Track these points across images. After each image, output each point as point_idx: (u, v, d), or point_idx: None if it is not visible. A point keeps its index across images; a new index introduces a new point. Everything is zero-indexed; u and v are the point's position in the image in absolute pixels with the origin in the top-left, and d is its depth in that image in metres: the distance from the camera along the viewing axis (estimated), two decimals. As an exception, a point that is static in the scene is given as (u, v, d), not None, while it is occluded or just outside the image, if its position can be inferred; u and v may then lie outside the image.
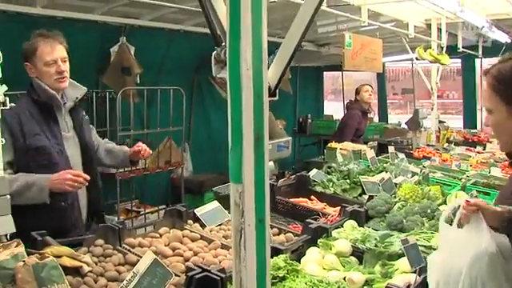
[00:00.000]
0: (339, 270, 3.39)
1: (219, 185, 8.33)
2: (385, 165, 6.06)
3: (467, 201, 2.64)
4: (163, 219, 4.03)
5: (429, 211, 4.31)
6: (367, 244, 3.61)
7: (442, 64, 9.52)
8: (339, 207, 4.61)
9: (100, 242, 3.38)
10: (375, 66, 7.95)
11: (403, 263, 3.33)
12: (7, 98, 3.08)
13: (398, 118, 15.30)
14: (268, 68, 1.65)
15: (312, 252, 3.56)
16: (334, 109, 15.64)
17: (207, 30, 5.96)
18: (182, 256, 3.34)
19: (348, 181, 5.41)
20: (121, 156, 4.45)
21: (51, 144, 3.78)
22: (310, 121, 12.74)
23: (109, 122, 7.96)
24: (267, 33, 1.55)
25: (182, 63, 8.72)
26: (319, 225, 3.86)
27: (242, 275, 1.61)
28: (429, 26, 9.23)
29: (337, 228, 4.00)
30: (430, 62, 9.21)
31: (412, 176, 5.77)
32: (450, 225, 2.75)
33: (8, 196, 3.02)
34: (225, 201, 4.29)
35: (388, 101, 14.97)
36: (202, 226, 3.94)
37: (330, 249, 3.54)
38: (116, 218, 6.74)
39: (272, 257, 3.15)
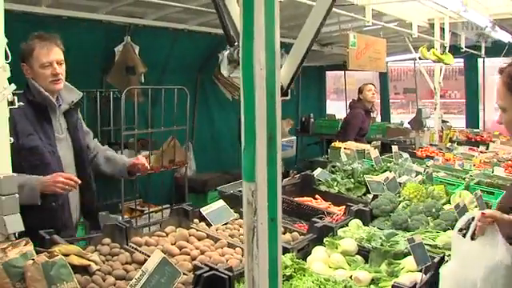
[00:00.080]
0: (345, 269, 3.40)
1: (223, 184, 8.35)
2: (388, 164, 6.07)
3: (483, 213, 2.63)
4: (169, 218, 4.04)
5: (434, 210, 4.33)
6: (373, 243, 3.62)
7: (446, 64, 9.52)
8: (344, 206, 4.62)
9: (107, 240, 3.39)
10: (379, 65, 7.95)
11: (409, 262, 3.35)
12: (16, 98, 3.09)
13: (399, 117, 15.31)
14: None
15: (318, 251, 3.57)
16: (337, 108, 15.65)
17: (211, 30, 6.03)
18: (188, 255, 3.35)
19: (352, 180, 5.42)
20: (120, 166, 4.44)
21: (44, 144, 3.80)
22: (312, 120, 12.75)
23: (113, 122, 7.97)
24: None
25: (186, 62, 8.75)
26: (325, 224, 3.88)
27: (255, 273, 1.62)
28: (432, 25, 9.23)
29: (342, 227, 4.02)
30: (433, 61, 9.21)
31: (416, 175, 5.78)
32: (463, 236, 2.74)
33: (16, 195, 3.03)
34: (229, 200, 4.32)
35: (390, 100, 14.97)
36: (208, 224, 3.95)
37: (336, 248, 3.56)
38: (120, 217, 6.76)
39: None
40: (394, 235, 3.70)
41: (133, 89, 6.87)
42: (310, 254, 3.56)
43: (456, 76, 16.73)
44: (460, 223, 2.84)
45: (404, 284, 2.92)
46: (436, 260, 3.31)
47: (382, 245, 3.58)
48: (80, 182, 3.75)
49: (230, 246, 3.57)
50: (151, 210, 7.48)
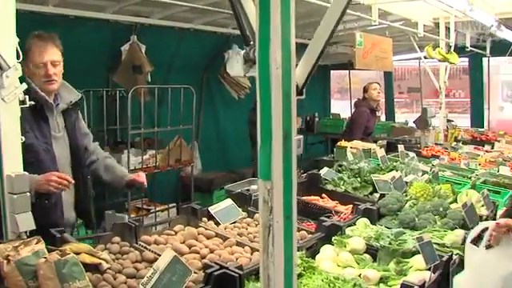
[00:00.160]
0: (354, 268, 3.42)
1: (228, 183, 8.37)
2: (395, 163, 6.08)
3: (497, 222, 2.64)
4: (178, 217, 4.05)
5: (441, 209, 4.34)
6: (381, 242, 3.64)
7: (451, 63, 9.52)
8: (351, 205, 4.65)
9: (117, 239, 3.40)
10: (386, 64, 7.95)
11: (417, 261, 3.36)
12: (27, 97, 3.12)
13: (403, 116, 15.30)
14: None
15: (326, 249, 3.59)
16: (341, 107, 15.65)
17: (216, 29, 6.04)
18: (198, 253, 3.36)
19: (358, 179, 5.43)
20: (119, 177, 4.43)
21: (39, 142, 3.81)
22: (317, 119, 12.75)
23: (119, 121, 7.99)
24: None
25: (192, 61, 8.76)
26: (333, 222, 3.89)
27: (270, 271, 1.63)
28: (437, 24, 9.23)
29: (350, 226, 4.03)
30: (439, 60, 9.20)
31: (422, 175, 5.79)
32: (477, 246, 2.74)
33: (28, 194, 3.07)
34: (237, 199, 4.33)
35: (394, 100, 14.97)
36: (216, 223, 3.96)
37: (345, 246, 3.58)
38: (126, 216, 6.78)
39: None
40: (402, 234, 3.72)
41: (139, 88, 6.88)
42: (319, 252, 3.58)
43: (460, 75, 16.71)
44: (473, 233, 2.84)
45: (413, 283, 2.93)
46: (444, 259, 3.32)
47: (390, 243, 3.59)
48: (73, 181, 3.75)
49: (238, 244, 3.58)
50: (157, 208, 7.49)
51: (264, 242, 1.63)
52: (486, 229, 2.69)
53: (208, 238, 3.66)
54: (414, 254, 3.48)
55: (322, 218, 3.99)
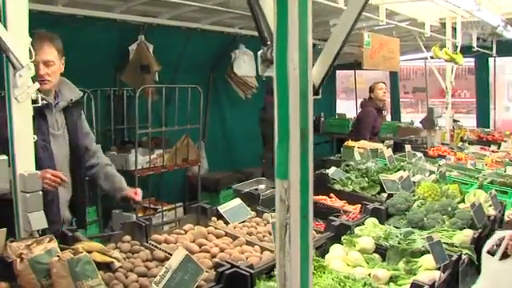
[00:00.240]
0: (363, 267, 3.43)
1: (235, 182, 8.39)
2: (402, 163, 6.08)
3: None
4: (188, 216, 4.06)
5: (449, 209, 4.34)
6: (390, 241, 3.64)
7: (457, 63, 9.52)
8: (359, 205, 4.66)
9: (127, 238, 3.41)
10: (393, 64, 7.96)
11: (427, 260, 3.37)
12: (39, 96, 3.14)
13: (409, 116, 15.30)
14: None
15: (336, 249, 3.60)
16: (346, 107, 15.65)
17: (223, 29, 6.06)
18: (208, 252, 3.37)
19: (366, 179, 5.44)
20: (117, 188, 4.49)
21: (38, 139, 3.83)
22: (322, 119, 12.74)
23: (126, 120, 8.01)
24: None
25: (199, 61, 8.77)
26: (342, 222, 3.91)
27: (286, 269, 1.64)
28: (443, 24, 9.23)
29: (358, 225, 4.04)
30: (445, 60, 9.20)
31: (429, 175, 5.79)
32: (493, 256, 2.73)
33: (40, 192, 3.08)
34: (246, 198, 4.35)
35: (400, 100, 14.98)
36: (226, 222, 3.98)
37: (354, 246, 3.59)
38: (134, 215, 6.80)
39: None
40: (411, 233, 3.72)
41: (147, 87, 6.89)
42: (328, 252, 3.59)
43: (466, 75, 16.68)
44: (490, 243, 2.84)
45: (423, 282, 2.94)
46: (454, 258, 3.34)
47: (399, 243, 3.60)
48: (67, 180, 3.75)
49: (248, 243, 3.60)
50: (165, 208, 7.50)
51: (280, 240, 1.64)
52: (503, 238, 2.69)
53: (218, 237, 3.67)
54: (423, 253, 3.49)
55: (331, 217, 4.00)
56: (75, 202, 4.21)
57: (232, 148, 10.18)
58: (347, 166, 5.83)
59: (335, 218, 3.97)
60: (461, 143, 9.50)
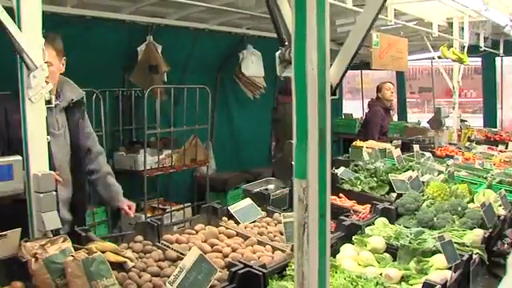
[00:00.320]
0: (374, 267, 3.44)
1: (243, 182, 8.43)
2: (410, 163, 6.09)
3: None
4: (199, 216, 4.07)
5: (459, 209, 4.34)
6: (401, 241, 3.65)
7: (463, 63, 9.50)
8: (368, 205, 4.66)
9: (139, 238, 3.43)
10: (401, 64, 7.96)
11: (438, 260, 3.38)
12: (52, 96, 3.16)
13: (415, 116, 15.28)
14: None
15: (347, 248, 3.61)
16: (352, 108, 15.65)
17: (231, 29, 6.06)
18: (220, 252, 3.39)
19: (375, 179, 5.44)
20: (113, 198, 4.56)
21: None
22: (329, 119, 12.72)
23: (134, 121, 8.02)
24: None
25: (206, 62, 8.78)
26: (352, 222, 3.91)
27: (304, 268, 1.66)
28: (450, 24, 9.22)
29: (368, 225, 4.04)
30: (453, 60, 9.18)
31: (438, 174, 5.79)
32: None
33: (54, 192, 3.10)
34: (256, 198, 4.36)
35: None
36: (236, 222, 3.99)
37: (365, 245, 3.59)
38: (143, 216, 6.83)
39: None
40: (421, 233, 3.73)
41: (155, 88, 6.91)
42: (339, 251, 3.60)
43: (472, 75, 16.65)
44: None
45: (435, 281, 2.94)
46: (465, 258, 3.34)
47: (410, 242, 3.61)
48: (61, 180, 3.73)
49: (259, 243, 3.61)
50: (173, 208, 7.53)
51: (299, 240, 1.66)
52: None
53: (229, 237, 3.69)
54: (433, 253, 3.49)
55: (342, 217, 4.01)
56: (75, 202, 4.22)
57: (239, 148, 10.17)
58: (356, 165, 5.83)
59: (346, 218, 3.98)
60: (468, 143, 9.48)
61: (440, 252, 3.40)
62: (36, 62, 2.94)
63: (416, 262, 3.45)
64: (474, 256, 3.51)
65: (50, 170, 3.59)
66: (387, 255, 3.58)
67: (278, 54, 1.89)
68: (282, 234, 3.81)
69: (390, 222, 4.17)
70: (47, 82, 3.67)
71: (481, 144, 9.51)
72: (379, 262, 3.50)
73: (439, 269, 3.34)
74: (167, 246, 3.40)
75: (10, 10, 2.85)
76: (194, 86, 7.25)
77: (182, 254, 3.24)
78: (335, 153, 10.38)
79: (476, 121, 13.02)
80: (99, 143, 6.59)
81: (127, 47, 7.42)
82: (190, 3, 6.06)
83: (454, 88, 9.77)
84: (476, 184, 5.74)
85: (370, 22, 1.86)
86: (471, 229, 4.02)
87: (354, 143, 7.45)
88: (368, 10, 1.88)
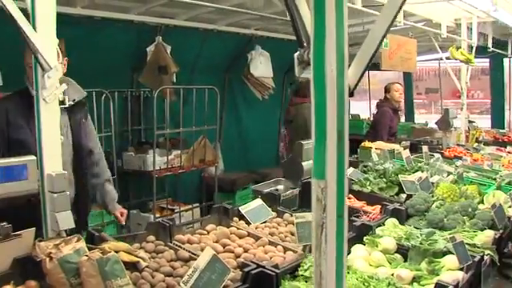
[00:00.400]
0: (386, 267, 3.44)
1: (251, 183, 8.44)
2: (419, 164, 6.08)
3: None
4: (210, 216, 4.08)
5: (470, 210, 4.35)
6: (412, 241, 3.66)
7: (472, 64, 9.48)
8: (377, 205, 4.66)
9: (152, 238, 3.44)
10: (410, 65, 7.94)
11: (449, 260, 3.39)
12: (66, 97, 3.17)
13: (422, 117, 15.26)
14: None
15: (358, 249, 3.61)
16: (359, 108, 15.63)
17: (239, 30, 6.07)
18: (232, 252, 3.40)
19: (384, 179, 5.43)
20: (107, 204, 4.63)
21: (34, 139, 3.84)
22: (337, 120, 12.72)
23: (143, 121, 8.04)
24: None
25: (215, 62, 8.78)
26: (363, 222, 3.92)
27: (322, 268, 1.67)
28: (458, 25, 9.20)
29: (379, 226, 4.05)
30: (461, 61, 9.17)
31: (447, 175, 5.79)
32: None
33: (67, 192, 3.11)
34: (266, 199, 4.36)
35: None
36: (247, 223, 4.00)
37: (377, 246, 3.60)
38: (152, 216, 6.84)
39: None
40: (432, 234, 3.73)
41: (165, 88, 6.92)
42: (350, 252, 3.60)
43: (479, 76, 16.61)
44: None
45: (448, 282, 2.95)
46: (476, 259, 3.35)
47: (421, 243, 3.61)
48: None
49: (271, 243, 3.62)
50: (182, 208, 7.54)
51: (317, 239, 1.67)
52: None
53: (240, 237, 3.70)
54: (444, 254, 3.50)
55: (352, 217, 4.01)
56: (78, 202, 4.24)
57: (247, 148, 10.17)
58: (365, 166, 5.83)
59: (356, 219, 3.99)
60: (476, 144, 9.45)
61: (451, 253, 3.41)
62: (50, 63, 2.96)
63: (427, 262, 3.45)
64: (486, 257, 3.51)
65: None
66: (398, 256, 3.59)
67: (296, 55, 1.90)
68: (292, 235, 3.82)
69: (399, 223, 4.17)
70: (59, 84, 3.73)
71: (489, 145, 9.48)
72: (390, 263, 3.51)
73: (450, 270, 3.34)
74: (179, 246, 3.40)
75: (24, 12, 2.87)
76: (203, 87, 7.27)
77: (194, 254, 3.26)
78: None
79: (483, 122, 12.98)
80: (108, 143, 6.68)
81: (136, 48, 7.44)
82: (199, 4, 6.07)
83: (462, 89, 9.75)
84: (485, 185, 5.74)
85: (388, 24, 1.87)
86: (482, 230, 4.02)
87: (362, 144, 7.45)
88: (386, 12, 1.89)
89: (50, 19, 3.00)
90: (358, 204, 4.87)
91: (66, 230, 3.10)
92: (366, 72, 12.86)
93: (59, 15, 5.66)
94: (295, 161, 5.18)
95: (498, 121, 12.59)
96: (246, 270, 2.88)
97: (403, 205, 4.56)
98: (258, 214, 4.11)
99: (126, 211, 4.74)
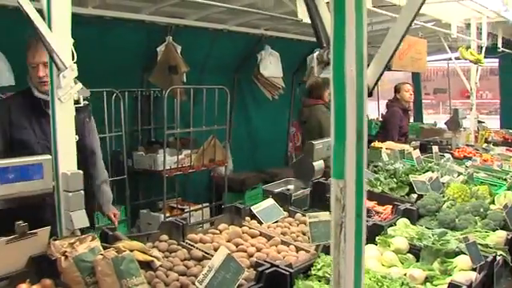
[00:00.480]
0: (398, 267, 3.45)
1: (260, 183, 8.44)
2: (430, 164, 6.08)
3: None
4: (222, 216, 4.09)
5: (481, 210, 4.34)
6: (424, 241, 3.66)
7: (481, 64, 9.47)
8: (388, 205, 4.67)
9: (165, 237, 3.45)
10: (420, 66, 7.94)
11: (461, 261, 3.39)
12: (81, 96, 3.19)
13: (430, 118, 15.24)
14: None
15: (370, 249, 3.62)
16: (368, 108, 15.59)
17: (249, 30, 6.07)
18: (245, 252, 3.41)
19: (395, 180, 5.43)
20: (102, 204, 4.63)
21: (37, 139, 3.88)
22: (345, 120, 12.70)
23: (153, 121, 8.06)
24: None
25: (224, 62, 8.78)
26: (375, 222, 3.93)
27: (341, 267, 1.68)
28: (467, 25, 9.19)
29: (390, 226, 4.05)
30: (471, 61, 9.15)
31: (457, 176, 5.79)
32: None
33: (82, 192, 3.13)
34: (278, 198, 4.37)
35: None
36: (259, 222, 4.01)
37: (389, 246, 3.61)
38: (162, 215, 6.86)
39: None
40: (445, 234, 3.73)
41: (175, 88, 6.93)
42: (362, 252, 3.60)
43: (488, 76, 16.58)
44: None
45: (461, 282, 2.95)
46: (489, 259, 3.35)
47: (433, 243, 3.61)
48: None
49: (283, 243, 3.62)
50: (192, 208, 7.56)
51: (336, 239, 1.68)
52: None
53: (252, 236, 3.71)
54: (456, 254, 3.50)
55: (364, 217, 4.01)
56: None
57: (256, 148, 10.17)
58: (375, 166, 5.84)
59: (368, 219, 4.00)
60: (485, 144, 9.43)
61: (463, 253, 3.42)
62: (66, 62, 2.98)
63: (439, 262, 3.46)
64: (498, 258, 3.51)
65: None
66: (410, 256, 3.60)
67: (315, 55, 1.91)
68: (304, 234, 3.83)
69: (411, 223, 4.17)
70: (76, 83, 3.74)
71: (498, 145, 9.45)
72: (402, 263, 3.51)
73: (463, 270, 3.34)
74: (192, 246, 3.41)
75: (39, 12, 2.89)
76: (213, 87, 7.28)
77: (206, 253, 3.27)
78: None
79: (492, 122, 12.94)
80: (119, 143, 6.70)
81: (147, 48, 7.45)
82: (209, 4, 6.08)
83: (471, 89, 9.72)
84: (495, 186, 5.72)
85: (408, 24, 1.88)
86: (494, 230, 4.02)
87: (372, 144, 7.44)
88: (405, 13, 1.90)
89: (65, 19, 3.02)
90: (369, 204, 4.87)
91: (80, 229, 3.12)
92: (375, 72, 12.96)
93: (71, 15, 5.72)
94: (306, 161, 5.18)
95: (507, 121, 12.52)
96: (260, 269, 2.89)
97: (414, 205, 4.56)
98: (269, 213, 4.12)
99: (118, 212, 4.75)
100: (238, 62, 9.21)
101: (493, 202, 4.86)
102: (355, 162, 1.62)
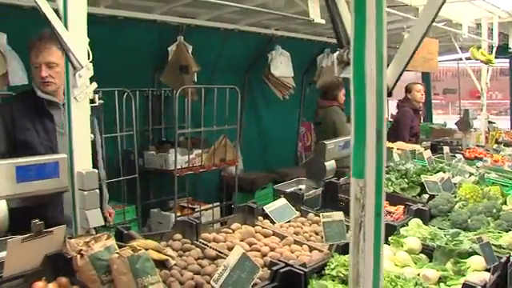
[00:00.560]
0: (411, 267, 3.45)
1: (270, 183, 8.45)
2: (441, 165, 6.07)
3: None
4: (235, 215, 4.09)
5: (494, 211, 4.34)
6: (437, 242, 3.65)
7: (491, 64, 9.45)
8: (399, 206, 4.66)
9: (178, 236, 3.46)
10: (432, 66, 7.93)
11: (475, 261, 3.38)
12: (96, 96, 3.20)
13: (439, 118, 15.21)
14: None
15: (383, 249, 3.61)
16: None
17: (260, 30, 6.08)
18: (259, 251, 3.41)
19: (406, 180, 5.43)
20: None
21: (40, 140, 3.86)
22: (355, 120, 12.70)
23: (164, 120, 8.07)
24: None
25: (235, 62, 8.79)
26: (387, 222, 3.92)
27: (360, 266, 1.68)
28: (478, 25, 9.17)
29: (402, 226, 4.05)
30: (482, 62, 9.14)
31: (469, 176, 5.78)
32: None
33: (97, 190, 3.15)
34: (290, 198, 4.37)
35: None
36: (272, 222, 4.01)
37: (402, 246, 3.61)
38: (173, 215, 6.88)
39: (344, 254, 3.23)
40: (458, 234, 3.73)
41: (186, 88, 6.95)
42: (375, 252, 3.60)
43: (497, 76, 16.54)
44: None
45: (475, 283, 2.95)
46: (503, 260, 3.34)
47: (446, 244, 3.61)
48: None
49: (296, 243, 3.62)
50: (202, 207, 7.57)
51: (355, 238, 1.68)
52: None
53: (265, 236, 3.70)
54: (470, 254, 3.50)
55: (377, 218, 4.01)
56: None
57: (266, 148, 10.18)
58: (386, 166, 5.83)
59: (381, 219, 3.99)
60: (496, 145, 9.41)
61: (477, 253, 3.41)
62: (82, 62, 2.99)
63: (453, 263, 3.45)
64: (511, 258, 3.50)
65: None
66: (423, 256, 3.59)
67: (336, 55, 1.92)
68: (317, 234, 3.84)
69: (423, 223, 4.17)
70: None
71: (509, 146, 9.42)
72: (415, 263, 3.51)
73: (476, 270, 3.34)
74: (205, 245, 3.42)
75: (56, 12, 2.91)
76: (224, 86, 7.29)
77: (220, 252, 3.27)
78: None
79: (502, 123, 12.91)
80: (130, 142, 6.72)
81: (158, 47, 7.47)
82: (221, 3, 6.09)
83: (482, 90, 9.71)
84: (507, 186, 5.71)
85: (428, 24, 1.88)
86: (506, 231, 4.01)
87: (383, 144, 7.43)
88: (425, 13, 1.90)
89: (81, 19, 3.03)
90: (380, 204, 4.87)
91: (95, 228, 3.14)
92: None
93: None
94: (318, 161, 5.19)
95: (517, 122, 12.52)
96: (275, 268, 2.90)
97: (426, 205, 4.56)
98: (282, 213, 4.12)
99: (113, 211, 4.73)
100: (249, 62, 9.21)
101: (505, 203, 4.85)
102: (375, 162, 1.63)
